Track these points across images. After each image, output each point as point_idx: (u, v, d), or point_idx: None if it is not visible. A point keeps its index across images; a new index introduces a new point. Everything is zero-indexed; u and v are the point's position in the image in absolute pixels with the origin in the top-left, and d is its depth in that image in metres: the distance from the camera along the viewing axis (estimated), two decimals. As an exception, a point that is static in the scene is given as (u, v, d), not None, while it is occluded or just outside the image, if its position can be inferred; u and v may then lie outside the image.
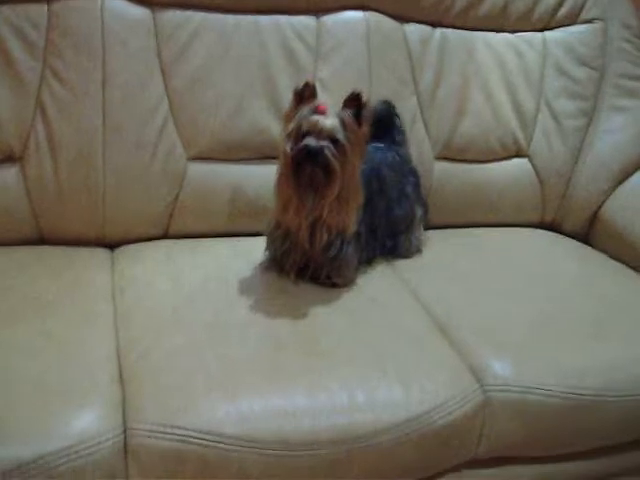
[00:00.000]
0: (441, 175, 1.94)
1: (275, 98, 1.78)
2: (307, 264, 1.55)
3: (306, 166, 1.41)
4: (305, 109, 1.44)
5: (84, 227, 1.71)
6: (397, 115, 1.78)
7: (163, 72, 1.72)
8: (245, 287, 1.55)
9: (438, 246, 1.83)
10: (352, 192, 1.48)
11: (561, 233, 2.04)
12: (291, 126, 1.44)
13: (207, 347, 1.35)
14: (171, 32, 1.73)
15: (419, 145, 1.89)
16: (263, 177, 1.64)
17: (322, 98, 1.65)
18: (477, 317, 1.53)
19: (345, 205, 1.48)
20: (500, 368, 1.41)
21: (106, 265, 1.65)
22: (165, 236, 1.77)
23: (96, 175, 1.67)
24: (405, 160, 1.77)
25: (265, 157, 1.76)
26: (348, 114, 1.44)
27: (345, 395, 1.28)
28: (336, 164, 1.41)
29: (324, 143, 1.41)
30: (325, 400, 1.27)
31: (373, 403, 1.29)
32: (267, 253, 1.61)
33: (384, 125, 1.74)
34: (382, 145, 1.72)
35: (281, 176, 1.46)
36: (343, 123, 1.43)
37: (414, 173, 1.79)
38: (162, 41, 1.73)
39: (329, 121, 1.42)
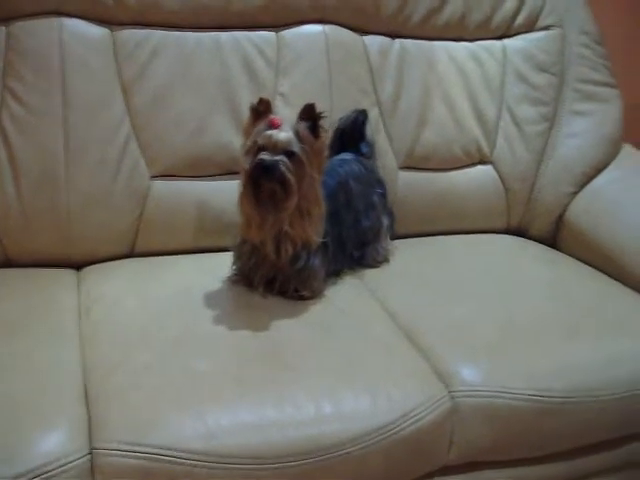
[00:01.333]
0: (405, 184, 1.94)
1: (237, 114, 1.78)
2: (275, 277, 1.55)
3: (263, 181, 1.41)
4: (261, 124, 1.44)
5: (50, 248, 1.69)
6: (366, 125, 1.79)
7: (124, 91, 1.72)
8: (212, 302, 1.54)
9: (405, 255, 1.82)
10: (312, 204, 1.48)
11: (528, 238, 2.04)
12: (248, 142, 1.45)
13: (174, 363, 1.34)
14: (131, 51, 1.73)
15: (382, 155, 1.88)
16: (228, 192, 1.62)
17: (283, 112, 1.71)
18: (445, 323, 1.53)
19: (307, 217, 1.48)
20: (468, 373, 1.41)
21: (72, 285, 1.64)
22: (131, 254, 1.76)
23: (60, 196, 1.66)
24: (372, 171, 1.77)
25: (229, 172, 1.75)
26: (303, 126, 1.44)
27: (312, 406, 1.27)
28: (292, 177, 1.41)
29: (278, 157, 1.41)
30: (292, 412, 1.26)
31: (340, 413, 1.28)
32: (234, 267, 1.61)
33: (353, 136, 1.76)
34: (349, 157, 1.73)
35: (242, 193, 1.46)
36: (298, 135, 1.43)
37: (381, 184, 1.79)
38: (122, 60, 1.72)
39: (283, 134, 1.42)
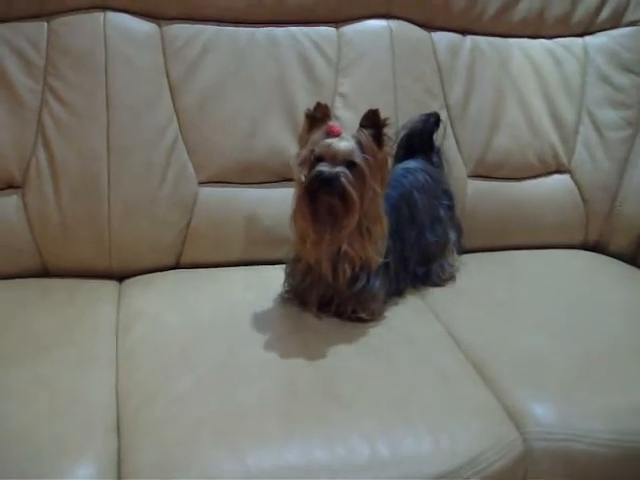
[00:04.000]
0: (475, 194, 1.83)
1: (293, 116, 1.67)
2: (331, 298, 1.44)
3: (321, 195, 1.30)
4: (318, 132, 1.33)
5: (90, 258, 1.61)
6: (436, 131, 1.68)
7: (172, 90, 1.64)
8: (260, 322, 1.43)
9: (473, 272, 1.69)
10: (374, 221, 1.36)
11: (606, 254, 1.90)
12: (304, 152, 1.34)
13: (215, 392, 1.23)
14: (180, 47, 1.65)
15: (450, 163, 1.76)
16: (281, 201, 1.53)
17: (344, 115, 1.65)
18: (516, 353, 1.39)
19: (367, 236, 1.36)
20: (542, 412, 1.26)
21: (112, 299, 1.55)
22: (177, 266, 1.67)
23: (101, 202, 1.58)
24: (439, 181, 1.64)
25: (283, 180, 1.66)
26: (366, 135, 1.32)
27: (367, 448, 1.14)
28: (354, 191, 1.29)
29: (339, 169, 1.29)
30: (344, 454, 1.13)
31: (398, 458, 1.14)
32: (286, 284, 1.50)
33: (421, 143, 1.65)
34: (414, 166, 1.61)
35: (296, 207, 1.35)
36: (360, 145, 1.31)
37: (448, 195, 1.67)
38: (170, 57, 1.64)
39: (344, 144, 1.30)
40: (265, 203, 1.68)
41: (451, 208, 1.67)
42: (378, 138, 1.33)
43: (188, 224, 1.64)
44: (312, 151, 1.32)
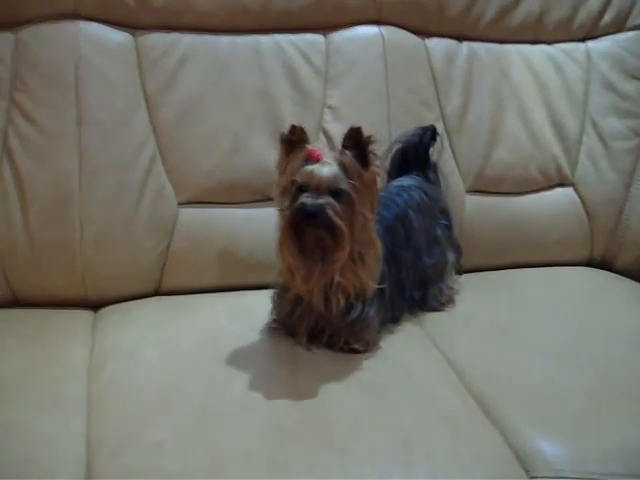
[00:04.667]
0: (474, 211, 1.74)
1: (279, 130, 1.53)
2: (323, 328, 1.35)
3: (307, 228, 1.21)
4: (296, 158, 1.23)
5: (62, 286, 1.51)
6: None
7: (148, 105, 1.55)
8: (246, 356, 1.33)
9: (473, 294, 1.60)
10: (367, 246, 1.27)
11: (613, 271, 1.82)
12: (284, 180, 1.24)
13: (195, 439, 1.12)
14: (156, 58, 1.56)
15: (448, 177, 1.67)
16: (266, 221, 1.41)
17: (333, 129, 1.61)
18: (522, 386, 1.29)
19: (360, 262, 1.27)
20: (553, 453, 1.15)
21: (85, 332, 1.44)
22: (157, 292, 1.58)
23: (72, 226, 1.48)
24: (435, 199, 1.55)
25: (269, 199, 1.55)
26: (349, 156, 1.22)
27: (363, 501, 1.03)
28: (342, 223, 1.20)
29: (324, 200, 1.20)
30: (339, 508, 1.02)
31: (398, 512, 1.04)
32: (273, 314, 1.41)
33: (416, 158, 1.56)
34: (409, 183, 1.51)
35: (282, 240, 1.25)
36: (344, 168, 1.21)
37: (445, 214, 1.59)
38: (146, 69, 1.55)
39: (326, 170, 1.21)
40: (249, 224, 1.59)
41: (449, 227, 1.59)
42: (363, 158, 1.23)
43: (167, 248, 1.56)
44: (293, 181, 1.22)
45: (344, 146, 1.23)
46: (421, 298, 1.52)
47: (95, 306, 1.53)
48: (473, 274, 1.69)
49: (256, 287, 1.51)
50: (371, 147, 1.23)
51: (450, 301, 1.57)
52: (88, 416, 1.19)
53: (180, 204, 1.57)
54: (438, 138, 1.60)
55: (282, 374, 1.29)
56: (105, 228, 1.50)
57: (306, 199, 1.20)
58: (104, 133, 1.51)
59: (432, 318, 1.53)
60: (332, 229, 1.20)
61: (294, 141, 1.24)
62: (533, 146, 1.78)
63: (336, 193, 1.21)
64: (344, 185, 1.21)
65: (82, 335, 1.42)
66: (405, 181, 1.51)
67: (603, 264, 1.84)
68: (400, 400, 1.24)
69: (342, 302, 1.29)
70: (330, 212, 1.19)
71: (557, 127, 1.81)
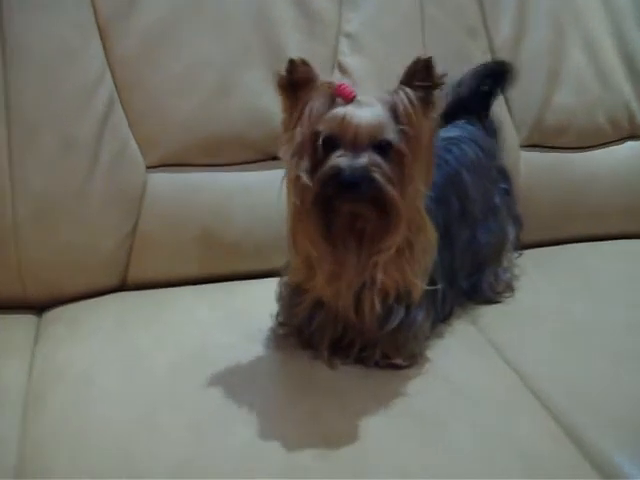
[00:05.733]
0: (530, 170, 1.47)
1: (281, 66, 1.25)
2: (352, 340, 1.04)
3: (340, 204, 0.90)
4: (317, 100, 0.91)
5: (-8, 283, 1.18)
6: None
7: (102, 35, 1.22)
8: (243, 379, 1.00)
9: (534, 279, 1.30)
10: (417, 230, 0.95)
11: None
12: (296, 136, 0.92)
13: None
14: None
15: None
16: (265, 188, 1.14)
17: (351, 64, 1.33)
18: (618, 404, 1.01)
19: (408, 253, 0.95)
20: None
21: (24, 345, 1.10)
22: (123, 287, 1.25)
23: (2, 203, 1.17)
24: (492, 156, 1.25)
25: (269, 158, 1.29)
26: (408, 96, 0.91)
27: None
28: (396, 193, 0.89)
29: (366, 159, 0.88)
30: None
31: None
32: (281, 318, 1.08)
33: (472, 102, 1.25)
34: (457, 133, 1.19)
35: (299, 221, 0.94)
36: (394, 112, 0.91)
37: (504, 174, 1.29)
38: None
39: (367, 112, 0.90)
40: (243, 192, 1.30)
41: (509, 193, 1.29)
42: (425, 102, 0.92)
43: (134, 227, 1.25)
44: (315, 133, 0.90)
45: (403, 82, 0.92)
46: (471, 287, 1.22)
47: (38, 308, 1.21)
48: (531, 250, 1.41)
49: (252, 276, 1.25)
50: (438, 90, 0.93)
51: (508, 289, 1.26)
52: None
53: (149, 168, 1.26)
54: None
55: (298, 405, 0.96)
56: (47, 204, 1.19)
57: (342, 160, 0.88)
58: (40, 74, 1.18)
59: (488, 313, 1.22)
60: (381, 203, 0.89)
61: (297, 82, 0.93)
62: (601, 88, 1.53)
63: (383, 148, 0.89)
64: (393, 135, 0.89)
65: (18, 350, 1.08)
66: (453, 131, 1.19)
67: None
68: (464, 437, 0.93)
69: (379, 307, 0.98)
70: (378, 177, 0.88)
71: (630, 64, 1.56)
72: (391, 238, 0.91)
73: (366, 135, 0.88)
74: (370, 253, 0.92)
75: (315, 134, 0.90)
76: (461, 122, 1.23)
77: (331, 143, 0.89)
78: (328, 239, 0.92)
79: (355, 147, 0.88)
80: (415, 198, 0.92)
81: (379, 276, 0.94)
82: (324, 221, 0.92)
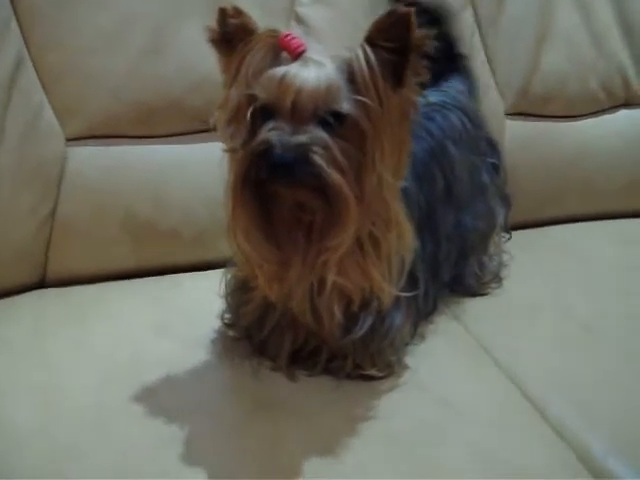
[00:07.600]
0: (517, 141, 1.36)
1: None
2: (318, 347, 0.89)
3: (279, 189, 0.75)
4: (256, 55, 0.75)
5: None
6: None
7: None
8: (184, 400, 0.84)
9: (524, 266, 1.17)
10: (384, 227, 0.80)
11: None
12: (231, 99, 0.76)
13: None
14: None
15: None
16: (207, 163, 0.99)
17: (308, 15, 1.18)
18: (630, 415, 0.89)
19: (373, 253, 0.80)
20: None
21: None
22: (42, 284, 1.09)
23: None
24: (479, 125, 1.11)
25: (212, 128, 1.08)
26: (367, 57, 0.73)
27: None
28: (342, 179, 0.73)
29: (306, 136, 0.72)
30: None
31: None
32: (228, 319, 0.92)
33: (450, 58, 1.09)
34: (440, 98, 1.04)
35: (233, 212, 0.78)
36: (352, 76, 0.74)
37: (493, 145, 1.15)
38: None
39: (312, 73, 0.73)
40: (181, 169, 1.15)
41: (497, 169, 1.14)
42: (400, 69, 0.74)
43: (53, 211, 1.09)
44: (250, 96, 0.75)
45: (368, 40, 0.75)
46: (454, 277, 1.08)
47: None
48: (517, 232, 1.28)
49: (194, 268, 1.11)
50: (419, 55, 0.74)
51: (496, 279, 1.13)
52: None
53: (69, 140, 1.10)
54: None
55: (252, 432, 0.80)
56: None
57: (273, 134, 0.71)
58: None
59: (474, 308, 1.09)
60: (324, 190, 0.74)
61: (234, 35, 0.77)
62: (594, 51, 1.43)
63: (330, 122, 0.73)
64: (348, 106, 0.73)
65: None
66: (435, 95, 1.02)
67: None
68: (456, 458, 0.79)
69: (338, 314, 0.83)
70: (318, 159, 0.71)
71: (627, 26, 1.46)
72: (338, 235, 0.75)
73: (309, 103, 0.72)
74: (318, 251, 0.77)
75: (251, 97, 0.74)
76: (444, 83, 1.06)
77: (267, 111, 0.73)
78: (267, 232, 0.77)
79: (295, 118, 0.72)
80: (380, 189, 0.76)
81: (330, 277, 0.78)
82: (261, 210, 0.76)
